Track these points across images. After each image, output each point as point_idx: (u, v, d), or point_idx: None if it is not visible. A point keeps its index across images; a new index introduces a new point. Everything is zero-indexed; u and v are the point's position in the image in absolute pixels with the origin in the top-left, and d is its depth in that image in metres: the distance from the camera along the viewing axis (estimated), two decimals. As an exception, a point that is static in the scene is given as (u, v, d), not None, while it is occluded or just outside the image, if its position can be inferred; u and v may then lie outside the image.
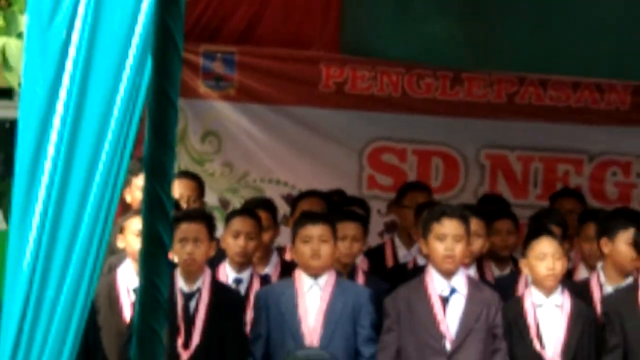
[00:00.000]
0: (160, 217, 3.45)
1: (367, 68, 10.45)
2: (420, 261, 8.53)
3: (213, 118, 10.42)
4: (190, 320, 7.83)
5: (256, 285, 8.32)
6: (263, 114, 10.37)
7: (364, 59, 10.47)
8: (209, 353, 7.75)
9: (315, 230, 7.78)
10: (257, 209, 8.64)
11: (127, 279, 7.95)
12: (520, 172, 10.57)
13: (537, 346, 7.77)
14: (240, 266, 8.43)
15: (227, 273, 8.45)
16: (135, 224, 7.70)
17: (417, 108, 10.39)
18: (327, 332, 7.85)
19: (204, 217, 8.08)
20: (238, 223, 8.41)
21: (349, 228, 8.08)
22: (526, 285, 8.11)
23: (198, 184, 9.55)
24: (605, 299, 8.13)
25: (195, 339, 7.76)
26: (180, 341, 7.81)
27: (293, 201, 9.60)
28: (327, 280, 7.89)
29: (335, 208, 9.09)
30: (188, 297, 7.84)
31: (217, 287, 8.03)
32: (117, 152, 5.67)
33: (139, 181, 7.86)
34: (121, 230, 7.87)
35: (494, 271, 8.75)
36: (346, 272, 8.28)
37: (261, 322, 7.86)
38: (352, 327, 7.90)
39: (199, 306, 7.82)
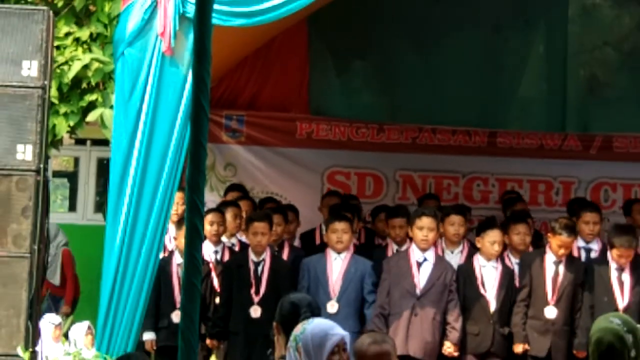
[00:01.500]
0: (197, 215, 3.82)
1: (325, 123, 12.52)
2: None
3: (231, 155, 12.30)
4: (259, 278, 9.58)
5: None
6: (262, 152, 12.40)
7: (322, 118, 12.58)
8: (271, 298, 9.03)
9: (340, 225, 9.62)
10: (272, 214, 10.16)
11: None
12: (420, 186, 12.49)
13: (482, 290, 9.55)
14: (215, 243, 10.11)
15: (210, 247, 10.02)
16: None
17: (356, 147, 12.45)
18: (343, 286, 9.49)
19: (268, 218, 9.77)
20: (212, 217, 10.04)
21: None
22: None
23: (252, 204, 11.14)
24: (522, 255, 9.94)
25: (262, 289, 9.51)
26: (252, 290, 9.46)
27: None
28: (346, 255, 9.59)
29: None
30: (257, 264, 9.62)
31: (274, 258, 9.74)
32: (172, 177, 8.14)
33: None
34: (178, 226, 9.46)
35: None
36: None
37: (304, 279, 9.53)
38: (360, 284, 9.52)
39: (265, 269, 9.61)
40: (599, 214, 10.33)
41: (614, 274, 9.58)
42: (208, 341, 9.45)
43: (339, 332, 5.01)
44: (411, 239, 9.68)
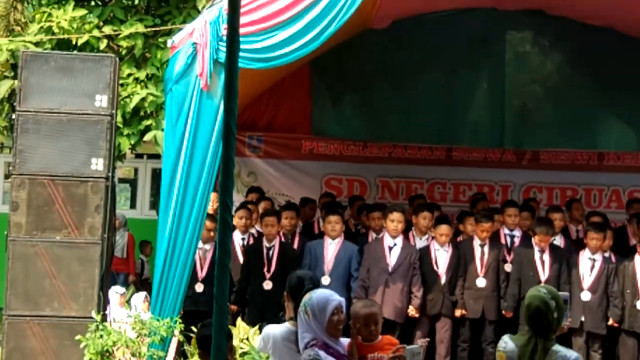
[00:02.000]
0: (227, 211, 3.69)
1: (323, 141, 12.49)
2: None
3: (252, 166, 12.26)
4: (270, 259, 9.48)
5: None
6: (275, 163, 12.38)
7: (321, 137, 12.54)
8: (279, 275, 9.05)
9: (333, 218, 9.66)
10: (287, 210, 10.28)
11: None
12: (395, 189, 12.48)
13: (435, 267, 9.58)
14: (243, 232, 10.09)
15: (238, 235, 10.01)
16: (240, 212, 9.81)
17: (346, 160, 12.42)
18: (335, 264, 9.45)
19: (276, 214, 9.83)
20: (241, 212, 10.11)
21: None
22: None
23: (271, 202, 11.12)
24: (457, 243, 9.91)
25: (272, 267, 9.42)
26: (265, 269, 9.39)
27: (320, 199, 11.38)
28: (339, 241, 9.56)
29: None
30: (268, 249, 9.52)
31: (282, 244, 9.65)
32: (208, 182, 8.10)
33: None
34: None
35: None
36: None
37: (307, 258, 9.50)
38: (348, 263, 9.49)
39: (274, 253, 9.52)
40: (519, 208, 10.34)
41: (537, 255, 9.52)
42: (231, 307, 9.26)
43: (337, 298, 5.12)
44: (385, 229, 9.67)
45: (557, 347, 4.95)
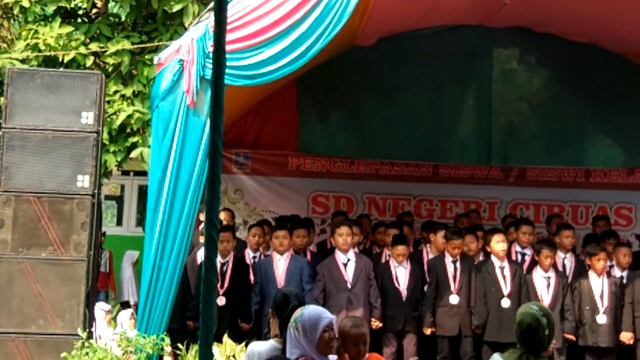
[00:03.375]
0: (213, 228, 3.69)
1: (310, 158, 12.44)
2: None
3: (239, 183, 12.22)
4: (223, 275, 9.40)
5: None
6: (262, 180, 12.31)
7: (308, 154, 12.49)
8: (232, 292, 9.18)
9: (281, 233, 9.55)
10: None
11: (202, 256, 8.50)
12: (382, 206, 12.48)
13: (396, 284, 9.55)
14: (255, 250, 10.17)
15: (249, 253, 10.12)
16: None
17: (333, 176, 12.38)
18: (287, 279, 9.31)
19: (231, 229, 9.82)
20: (255, 230, 10.28)
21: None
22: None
23: (232, 214, 11.20)
24: (428, 261, 10.01)
25: (226, 284, 9.36)
26: (218, 285, 9.11)
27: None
28: (287, 255, 9.47)
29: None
30: (222, 265, 9.41)
31: (236, 260, 9.53)
32: (194, 199, 7.98)
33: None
34: (201, 234, 8.95)
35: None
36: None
37: (258, 276, 9.42)
38: (300, 277, 9.38)
39: (228, 269, 9.46)
40: (532, 227, 10.30)
41: (498, 270, 9.49)
42: (189, 323, 9.30)
43: (329, 316, 5.05)
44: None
45: None
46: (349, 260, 9.43)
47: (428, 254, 10.27)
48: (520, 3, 10.50)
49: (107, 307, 9.44)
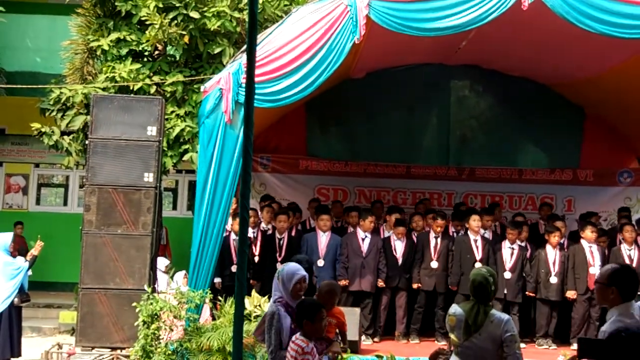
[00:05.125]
0: (245, 211, 3.62)
1: (316, 161, 12.23)
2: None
3: (263, 178, 12.06)
4: (281, 247, 9.39)
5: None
6: (280, 177, 12.16)
7: (314, 158, 12.30)
8: (287, 259, 8.14)
9: (325, 216, 9.61)
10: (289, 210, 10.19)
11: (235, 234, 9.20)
12: (369, 196, 12.17)
13: (394, 253, 9.52)
14: (267, 224, 9.98)
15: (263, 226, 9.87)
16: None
17: (333, 174, 12.20)
18: (326, 252, 9.34)
19: (286, 213, 9.70)
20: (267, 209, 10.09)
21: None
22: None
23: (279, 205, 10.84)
24: (417, 235, 9.74)
25: (283, 254, 9.28)
26: (277, 254, 9.25)
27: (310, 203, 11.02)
28: (328, 234, 9.50)
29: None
30: (279, 240, 9.39)
31: (289, 236, 9.54)
32: (230, 191, 8.09)
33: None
34: (233, 217, 9.07)
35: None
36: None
37: (304, 247, 9.38)
38: (336, 251, 9.40)
39: (284, 243, 9.43)
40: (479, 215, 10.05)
41: (472, 242, 9.50)
42: (252, 282, 9.21)
43: (302, 272, 5.10)
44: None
45: (493, 311, 4.94)
46: (366, 237, 9.46)
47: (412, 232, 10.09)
48: (471, 47, 10.46)
49: (167, 261, 9.28)
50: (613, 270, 4.40)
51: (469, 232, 9.59)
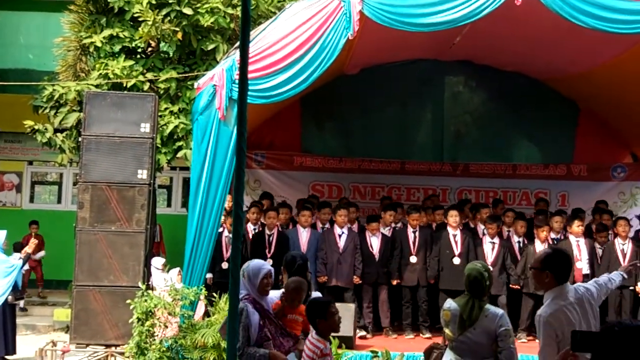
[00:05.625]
0: (239, 208, 3.50)
1: (310, 157, 12.22)
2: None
3: (257, 175, 12.01)
4: (270, 244, 9.21)
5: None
6: (274, 173, 12.09)
7: (308, 154, 12.27)
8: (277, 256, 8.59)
9: (306, 212, 9.41)
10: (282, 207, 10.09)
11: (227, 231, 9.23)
12: (363, 192, 12.20)
13: (371, 249, 9.35)
14: (255, 224, 9.68)
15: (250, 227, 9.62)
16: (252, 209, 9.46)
17: (327, 170, 12.16)
18: (307, 248, 9.21)
19: (276, 210, 9.58)
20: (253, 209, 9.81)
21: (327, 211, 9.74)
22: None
23: (271, 201, 10.76)
24: (393, 231, 9.72)
25: (272, 250, 9.14)
26: (266, 251, 9.05)
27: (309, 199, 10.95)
28: (308, 230, 9.37)
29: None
30: (269, 236, 9.22)
31: (279, 233, 9.30)
32: (225, 187, 8.00)
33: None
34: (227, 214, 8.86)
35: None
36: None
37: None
38: (317, 246, 9.30)
39: (273, 239, 9.25)
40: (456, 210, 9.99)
41: (451, 237, 9.48)
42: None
43: (268, 267, 5.07)
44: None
45: (488, 306, 4.96)
46: (342, 233, 9.42)
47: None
48: (465, 43, 10.43)
49: (162, 260, 9.21)
50: (546, 255, 4.48)
51: (447, 227, 9.54)
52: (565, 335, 4.10)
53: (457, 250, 9.40)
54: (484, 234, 9.65)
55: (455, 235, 9.45)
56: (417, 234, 9.59)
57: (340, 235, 9.39)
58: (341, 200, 11.08)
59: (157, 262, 8.91)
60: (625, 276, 5.05)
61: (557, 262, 4.40)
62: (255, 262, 5.11)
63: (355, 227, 9.82)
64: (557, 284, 4.37)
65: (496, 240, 9.47)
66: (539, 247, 9.37)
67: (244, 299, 4.88)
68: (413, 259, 9.52)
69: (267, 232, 9.45)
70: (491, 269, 8.68)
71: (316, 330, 4.74)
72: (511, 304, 9.34)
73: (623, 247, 9.34)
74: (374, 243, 9.60)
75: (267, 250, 9.30)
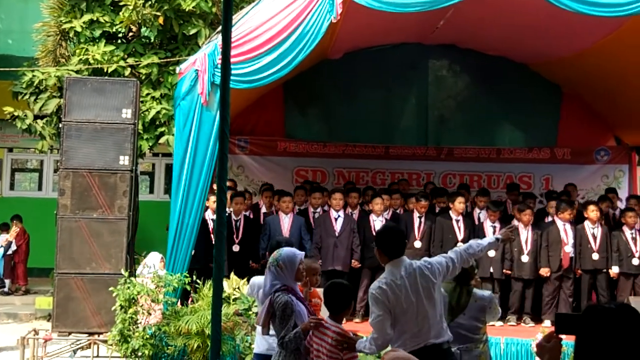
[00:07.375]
0: (223, 193, 3.65)
1: (294, 142, 12.25)
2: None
3: (241, 161, 12.07)
4: (238, 229, 9.30)
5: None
6: (258, 159, 12.15)
7: (292, 139, 12.30)
8: (244, 241, 9.10)
9: (287, 198, 9.38)
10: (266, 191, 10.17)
11: (211, 216, 9.21)
12: (347, 177, 12.21)
13: (373, 233, 9.34)
14: (268, 207, 10.04)
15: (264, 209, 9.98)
16: (213, 197, 8.72)
17: (311, 155, 12.19)
18: (290, 234, 9.11)
19: (243, 195, 9.64)
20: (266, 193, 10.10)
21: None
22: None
23: (234, 183, 11.13)
24: (399, 215, 9.68)
25: (240, 235, 9.27)
26: (234, 236, 9.17)
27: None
28: (290, 215, 9.34)
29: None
30: (236, 221, 9.31)
31: (246, 218, 9.47)
32: (208, 173, 7.92)
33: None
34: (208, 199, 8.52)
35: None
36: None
37: (267, 229, 9.27)
38: (300, 231, 9.28)
39: (241, 224, 9.36)
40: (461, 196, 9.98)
41: (454, 223, 9.52)
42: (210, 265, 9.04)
43: (300, 253, 4.96)
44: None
45: (475, 290, 5.06)
46: (338, 216, 9.40)
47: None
48: (448, 26, 10.44)
49: (159, 256, 8.99)
50: (377, 232, 4.66)
51: (451, 212, 9.58)
52: (395, 309, 4.32)
53: (460, 235, 9.41)
54: (479, 220, 9.71)
55: (458, 221, 9.49)
56: (422, 220, 9.58)
57: (336, 219, 9.37)
58: (346, 185, 11.08)
59: (155, 257, 8.75)
60: (500, 238, 5.05)
61: (384, 238, 4.53)
62: (287, 250, 4.91)
63: (356, 212, 9.77)
64: (388, 259, 4.48)
65: (497, 224, 9.44)
66: (522, 231, 9.42)
67: (281, 290, 4.70)
68: (417, 244, 9.49)
69: (233, 217, 9.34)
70: (493, 253, 8.92)
71: (335, 317, 4.64)
72: (501, 288, 9.41)
73: (593, 230, 9.38)
74: (378, 227, 9.38)
75: (234, 236, 9.25)
